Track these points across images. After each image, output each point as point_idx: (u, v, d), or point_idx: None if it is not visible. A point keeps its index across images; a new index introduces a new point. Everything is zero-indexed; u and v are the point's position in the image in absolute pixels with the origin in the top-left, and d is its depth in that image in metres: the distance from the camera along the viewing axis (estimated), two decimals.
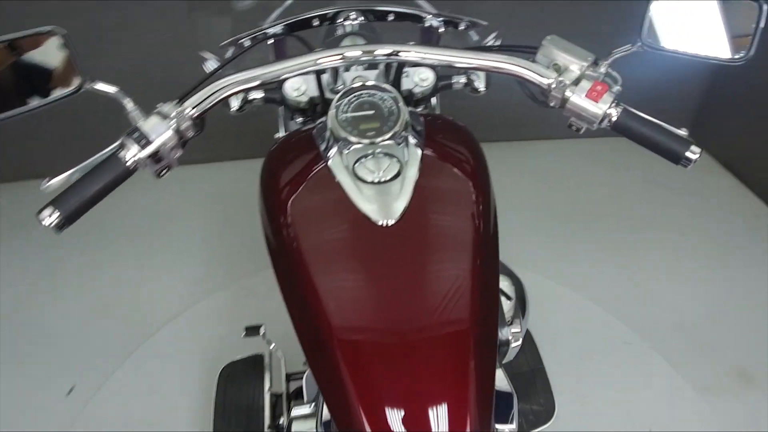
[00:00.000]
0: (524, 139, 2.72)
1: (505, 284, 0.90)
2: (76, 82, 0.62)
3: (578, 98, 0.67)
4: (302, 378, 0.91)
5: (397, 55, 0.71)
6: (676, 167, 0.68)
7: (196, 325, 1.79)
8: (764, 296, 1.88)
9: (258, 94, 0.88)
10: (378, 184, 0.65)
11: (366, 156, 0.67)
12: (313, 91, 0.87)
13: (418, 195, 0.65)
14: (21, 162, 2.37)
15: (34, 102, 0.62)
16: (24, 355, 1.73)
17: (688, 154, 0.65)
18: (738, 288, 1.94)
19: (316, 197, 0.68)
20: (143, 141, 0.61)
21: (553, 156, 2.64)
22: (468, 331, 0.57)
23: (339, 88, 0.84)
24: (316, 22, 0.99)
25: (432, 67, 0.87)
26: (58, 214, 0.57)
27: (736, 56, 0.67)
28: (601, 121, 0.67)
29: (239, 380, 1.25)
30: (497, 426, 0.74)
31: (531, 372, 1.32)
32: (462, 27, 1.00)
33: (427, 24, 0.99)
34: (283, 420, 1.06)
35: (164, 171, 0.65)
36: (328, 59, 0.70)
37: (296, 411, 0.86)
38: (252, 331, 1.17)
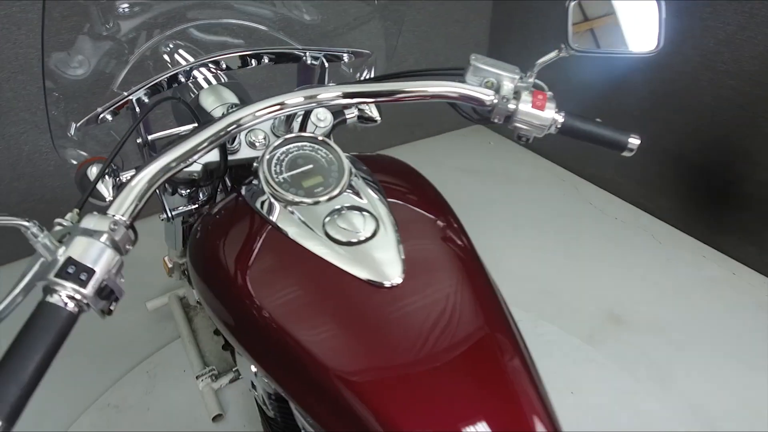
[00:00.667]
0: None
1: None
2: None
3: (525, 110, 0.67)
4: None
5: (346, 97, 0.64)
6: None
7: None
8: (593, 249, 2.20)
9: (196, 167, 0.76)
10: (357, 243, 0.62)
11: (331, 215, 0.64)
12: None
13: (408, 244, 0.63)
14: None
15: None
16: None
17: (630, 141, 0.70)
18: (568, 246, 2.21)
19: (290, 268, 0.62)
20: (82, 273, 0.44)
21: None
22: (498, 339, 0.57)
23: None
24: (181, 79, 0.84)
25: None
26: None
27: (650, 49, 0.73)
28: (549, 127, 0.69)
29: None
30: None
31: None
32: (345, 59, 0.93)
33: (308, 61, 0.90)
34: None
35: (113, 303, 0.48)
36: (266, 111, 0.61)
37: None
38: None
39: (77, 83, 0.83)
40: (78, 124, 0.78)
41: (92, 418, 1.51)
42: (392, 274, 0.59)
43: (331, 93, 0.63)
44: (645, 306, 1.88)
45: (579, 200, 2.49)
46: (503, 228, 2.30)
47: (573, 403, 1.55)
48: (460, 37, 2.79)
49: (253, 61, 0.88)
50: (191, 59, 0.88)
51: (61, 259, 0.44)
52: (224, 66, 0.87)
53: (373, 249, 0.61)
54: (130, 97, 0.79)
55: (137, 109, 0.81)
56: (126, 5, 0.89)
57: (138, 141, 0.80)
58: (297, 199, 0.64)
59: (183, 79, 0.84)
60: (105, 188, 0.68)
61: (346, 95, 0.63)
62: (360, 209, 0.65)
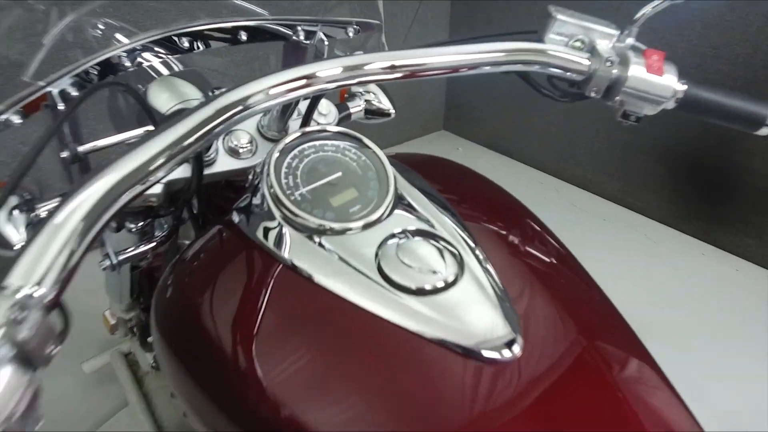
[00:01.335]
0: None
1: None
2: None
3: (639, 75, 0.50)
4: None
5: (401, 69, 0.42)
6: None
7: None
8: None
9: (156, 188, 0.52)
10: (437, 292, 0.40)
11: (382, 247, 0.42)
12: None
13: (514, 289, 0.43)
14: None
15: None
16: None
17: None
18: None
19: (327, 335, 0.40)
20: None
21: None
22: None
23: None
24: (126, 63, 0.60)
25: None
26: None
27: None
28: (670, 99, 0.51)
29: None
30: None
31: None
32: (351, 34, 0.69)
33: (300, 38, 0.66)
34: None
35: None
36: (286, 87, 0.38)
37: None
38: None
39: None
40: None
41: None
42: (503, 338, 0.38)
43: (383, 62, 0.41)
44: (650, 308, 1.73)
45: (561, 203, 2.34)
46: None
47: None
48: (420, 37, 2.62)
49: (217, 39, 0.63)
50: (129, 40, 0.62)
51: None
52: (181, 46, 0.61)
53: (463, 298, 0.40)
54: (50, 88, 0.53)
55: (60, 106, 0.54)
56: None
57: (63, 155, 0.53)
58: (317, 221, 0.42)
59: (123, 66, 0.58)
60: (12, 228, 0.42)
61: (403, 67, 0.41)
62: (430, 235, 0.43)
